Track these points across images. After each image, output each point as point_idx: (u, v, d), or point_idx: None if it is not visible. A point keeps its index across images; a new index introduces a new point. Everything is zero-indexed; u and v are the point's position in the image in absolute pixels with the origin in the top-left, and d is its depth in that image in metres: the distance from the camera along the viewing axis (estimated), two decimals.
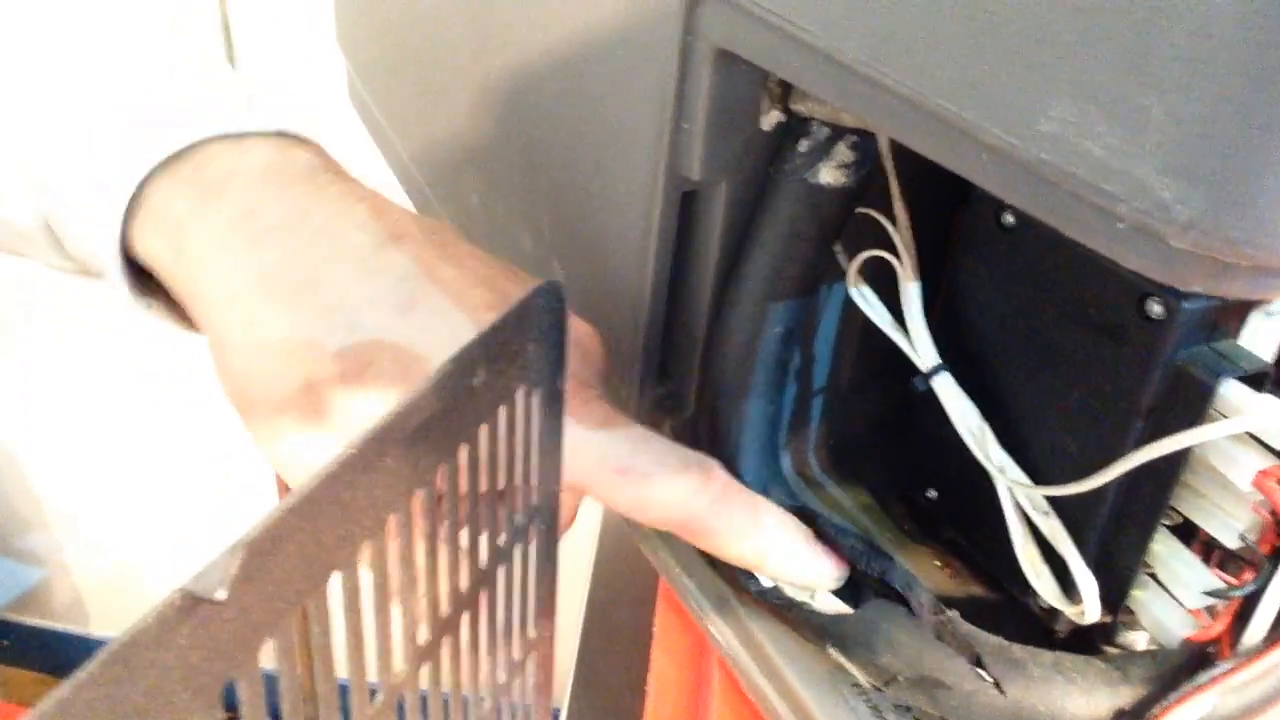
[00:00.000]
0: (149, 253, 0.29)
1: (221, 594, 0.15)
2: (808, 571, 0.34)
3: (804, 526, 0.35)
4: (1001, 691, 0.31)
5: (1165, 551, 0.31)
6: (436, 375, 0.21)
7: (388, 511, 0.20)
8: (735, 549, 0.32)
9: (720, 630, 0.38)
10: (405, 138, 0.62)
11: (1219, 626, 0.29)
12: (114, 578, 1.60)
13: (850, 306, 0.39)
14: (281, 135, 0.30)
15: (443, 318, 0.27)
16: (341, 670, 0.20)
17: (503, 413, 0.25)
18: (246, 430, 0.29)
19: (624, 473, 0.30)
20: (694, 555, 0.40)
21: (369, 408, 0.27)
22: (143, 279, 0.31)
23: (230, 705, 0.17)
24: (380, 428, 0.18)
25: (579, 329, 0.33)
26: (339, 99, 0.75)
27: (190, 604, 0.15)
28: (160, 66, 0.31)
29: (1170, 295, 0.28)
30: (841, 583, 0.34)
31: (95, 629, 1.66)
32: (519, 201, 0.44)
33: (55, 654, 1.67)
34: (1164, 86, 0.18)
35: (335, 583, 0.19)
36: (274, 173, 0.29)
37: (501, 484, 0.26)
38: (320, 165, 0.30)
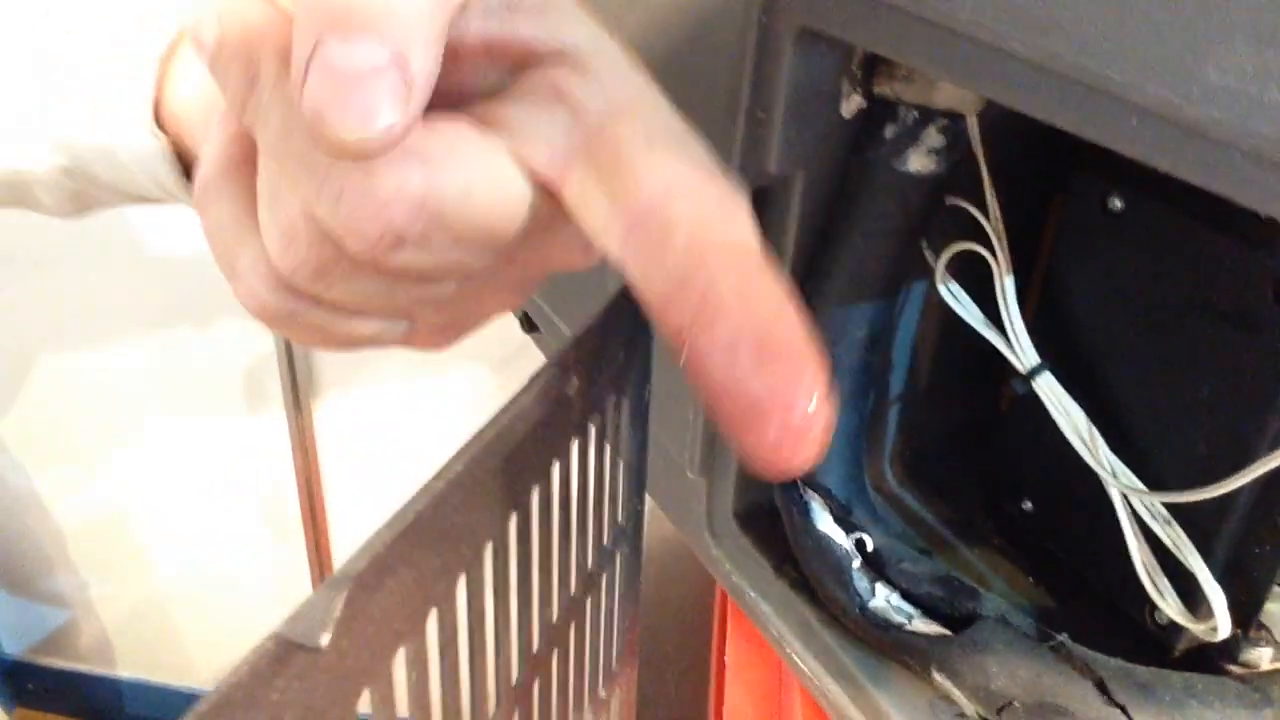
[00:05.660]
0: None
1: (325, 639, 0.13)
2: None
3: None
4: (1129, 718, 0.28)
5: None
6: (535, 382, 0.19)
7: (486, 538, 0.18)
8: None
9: (804, 658, 0.36)
10: None
11: None
12: (140, 618, 1.57)
13: (929, 307, 0.37)
14: None
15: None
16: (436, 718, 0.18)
17: (592, 426, 0.23)
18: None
19: None
20: (769, 576, 0.38)
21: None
22: None
23: None
24: (486, 441, 0.16)
25: None
26: None
27: (286, 652, 0.13)
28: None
29: None
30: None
31: (122, 670, 1.63)
32: None
33: (83, 696, 1.64)
34: None
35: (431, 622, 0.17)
36: None
37: (590, 503, 0.24)
38: None
